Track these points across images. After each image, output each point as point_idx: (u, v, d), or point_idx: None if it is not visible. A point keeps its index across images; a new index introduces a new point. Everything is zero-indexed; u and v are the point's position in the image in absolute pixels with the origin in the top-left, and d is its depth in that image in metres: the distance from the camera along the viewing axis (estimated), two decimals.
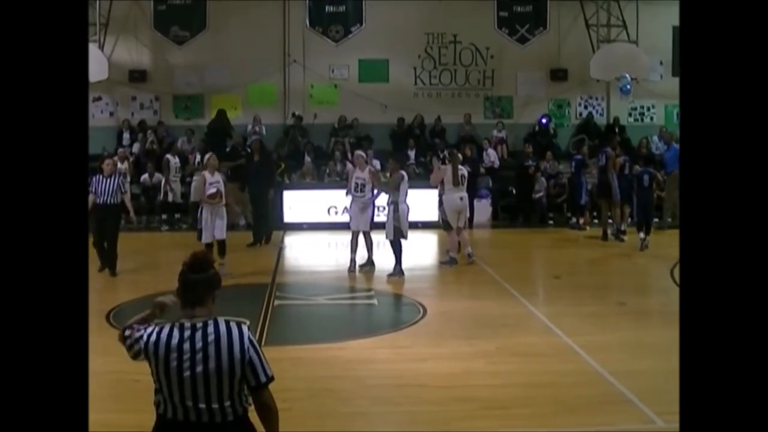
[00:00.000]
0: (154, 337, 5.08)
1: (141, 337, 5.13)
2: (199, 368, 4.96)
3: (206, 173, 16.57)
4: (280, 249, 20.34)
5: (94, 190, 16.36)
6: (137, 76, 27.37)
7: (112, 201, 16.59)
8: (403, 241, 16.23)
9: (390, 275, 16.25)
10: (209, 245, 15.99)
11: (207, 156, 17.35)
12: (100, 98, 27.50)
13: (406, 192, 16.24)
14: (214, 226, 16.30)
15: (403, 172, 16.44)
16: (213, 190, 16.32)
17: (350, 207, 17.39)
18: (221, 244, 16.35)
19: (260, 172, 21.04)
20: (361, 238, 16.98)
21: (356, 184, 17.02)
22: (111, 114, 27.71)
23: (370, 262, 17.12)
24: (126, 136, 26.65)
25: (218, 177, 16.60)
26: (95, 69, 25.50)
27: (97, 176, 16.58)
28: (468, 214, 18.51)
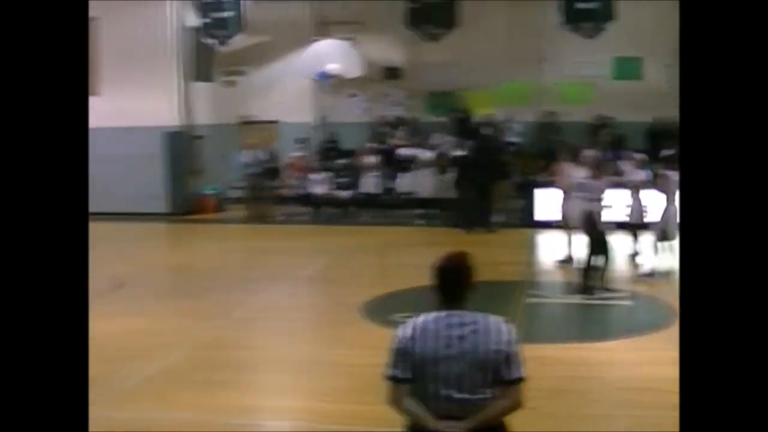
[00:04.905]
0: (411, 324, 5.19)
1: (397, 332, 5.23)
2: (459, 355, 5.04)
3: None
4: (533, 247, 20.27)
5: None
6: (391, 73, 27.87)
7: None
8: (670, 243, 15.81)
9: (643, 276, 15.94)
10: None
11: None
12: (354, 95, 28.19)
13: (674, 192, 15.77)
14: None
15: (671, 173, 15.94)
16: None
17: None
18: None
19: None
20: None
21: None
22: (366, 110, 28.34)
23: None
24: (382, 131, 27.16)
25: None
26: (350, 66, 26.19)
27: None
28: None
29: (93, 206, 26.83)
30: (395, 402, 5.22)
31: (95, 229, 25.50)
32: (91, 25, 26.32)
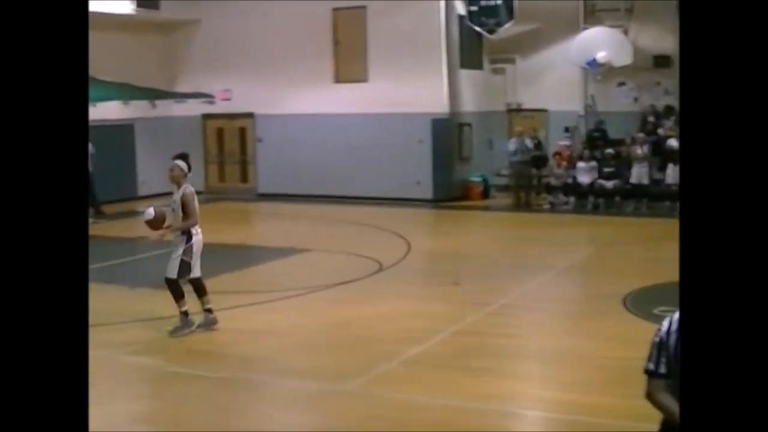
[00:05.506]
0: (671, 317, 5.09)
1: (661, 326, 5.19)
2: None
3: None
4: None
5: None
6: (661, 62, 27.25)
7: None
8: None
9: None
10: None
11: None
12: (624, 83, 27.76)
13: None
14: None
15: None
16: (149, 215, 12.08)
17: None
18: (168, 283, 12.07)
19: None
20: None
21: None
22: (635, 99, 27.87)
23: None
24: (651, 120, 26.69)
25: (177, 195, 12.00)
26: (620, 54, 25.86)
27: None
28: None
29: (360, 190, 27.71)
30: (652, 397, 5.17)
31: (361, 213, 26.25)
32: (358, 13, 27.02)
